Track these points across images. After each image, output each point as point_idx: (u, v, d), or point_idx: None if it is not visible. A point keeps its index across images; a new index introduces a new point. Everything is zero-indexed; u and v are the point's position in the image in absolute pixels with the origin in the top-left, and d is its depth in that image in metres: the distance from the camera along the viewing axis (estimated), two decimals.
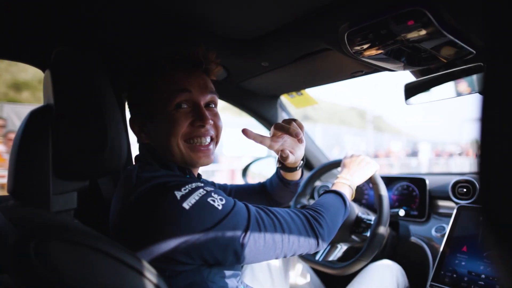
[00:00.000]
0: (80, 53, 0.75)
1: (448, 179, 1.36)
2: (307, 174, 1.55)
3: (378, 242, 1.11)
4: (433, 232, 1.29)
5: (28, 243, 0.46)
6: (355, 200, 1.55)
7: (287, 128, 0.83)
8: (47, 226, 0.50)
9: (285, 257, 0.75)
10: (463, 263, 1.04)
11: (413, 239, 1.33)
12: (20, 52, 0.97)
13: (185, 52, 0.78)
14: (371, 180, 1.18)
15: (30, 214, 0.55)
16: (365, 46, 0.87)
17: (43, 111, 0.73)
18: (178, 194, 0.64)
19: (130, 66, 0.84)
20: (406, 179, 1.49)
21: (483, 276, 0.98)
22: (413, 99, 1.08)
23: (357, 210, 1.30)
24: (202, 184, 0.69)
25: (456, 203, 1.26)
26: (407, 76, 1.13)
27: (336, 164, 1.38)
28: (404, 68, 1.01)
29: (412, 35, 0.77)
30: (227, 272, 0.75)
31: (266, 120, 1.71)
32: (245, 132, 0.78)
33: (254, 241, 0.68)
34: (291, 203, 1.46)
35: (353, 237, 1.27)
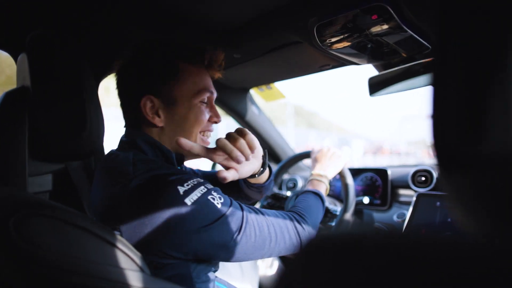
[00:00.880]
0: (57, 37, 0.75)
1: (408, 170, 1.44)
2: (275, 167, 1.60)
3: (345, 228, 1.18)
4: (394, 218, 1.37)
5: (8, 218, 0.46)
6: None
7: (229, 149, 0.71)
8: (26, 203, 0.50)
9: (269, 257, 0.78)
10: None
11: (376, 225, 1.41)
12: None
13: (214, 56, 0.85)
14: (339, 171, 1.24)
15: (8, 192, 0.55)
16: (333, 40, 0.92)
17: (18, 93, 0.72)
18: (181, 189, 0.65)
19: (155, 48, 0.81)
20: (370, 170, 1.56)
21: None
22: (376, 92, 1.14)
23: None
24: (202, 181, 0.70)
25: (415, 191, 1.35)
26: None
27: (303, 156, 1.45)
28: (368, 61, 1.07)
29: (376, 29, 0.83)
30: (210, 267, 0.77)
31: (236, 113, 1.73)
32: (179, 143, 0.67)
33: (246, 240, 0.70)
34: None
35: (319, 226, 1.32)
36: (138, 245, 0.62)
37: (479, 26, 0.22)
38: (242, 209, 0.72)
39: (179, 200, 0.64)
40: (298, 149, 1.73)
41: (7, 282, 0.50)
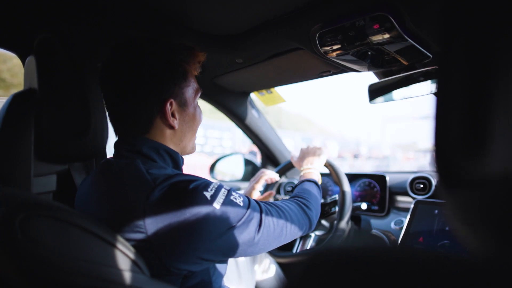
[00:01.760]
0: (63, 39, 0.75)
1: (406, 176, 1.45)
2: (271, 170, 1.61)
3: (340, 235, 1.19)
4: (392, 225, 1.37)
5: (13, 218, 0.47)
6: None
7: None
8: (31, 203, 0.51)
9: (286, 242, 0.82)
10: None
11: (374, 232, 1.41)
12: (1, 38, 0.94)
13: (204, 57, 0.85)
14: (326, 165, 1.32)
15: (14, 193, 0.56)
16: (334, 47, 0.93)
17: (26, 94, 0.73)
18: (208, 195, 0.66)
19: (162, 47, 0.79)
20: (368, 176, 1.57)
21: None
22: (375, 99, 1.15)
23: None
24: (219, 182, 0.72)
25: (414, 198, 1.35)
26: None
27: (287, 166, 1.50)
28: (369, 69, 1.08)
29: (377, 38, 0.83)
30: (223, 272, 0.81)
31: (236, 116, 1.74)
32: None
33: (267, 232, 0.74)
34: None
35: (323, 221, 1.35)
36: (176, 255, 0.63)
37: (481, 33, 0.22)
38: (258, 204, 0.75)
39: (208, 206, 0.65)
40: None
41: (11, 281, 0.50)
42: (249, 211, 0.71)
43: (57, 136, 0.73)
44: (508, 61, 0.21)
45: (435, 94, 0.25)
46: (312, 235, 1.39)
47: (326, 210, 1.34)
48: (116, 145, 0.78)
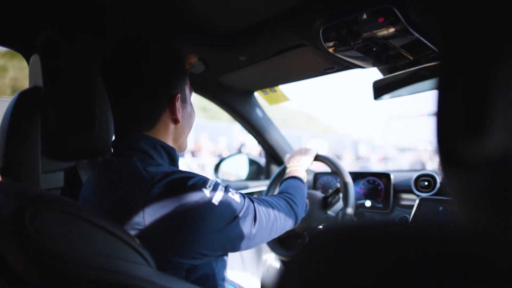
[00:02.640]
0: (68, 37, 0.76)
1: (411, 174, 1.44)
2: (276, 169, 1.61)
3: (349, 218, 1.21)
4: None
5: (23, 213, 0.48)
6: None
7: None
8: (40, 198, 0.52)
9: (277, 236, 0.86)
10: None
11: None
12: (6, 36, 0.96)
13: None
14: (319, 159, 1.36)
15: (24, 189, 0.57)
16: (338, 42, 0.92)
17: (31, 92, 0.74)
18: (206, 191, 0.67)
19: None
20: (372, 174, 1.56)
21: None
22: (380, 95, 1.15)
23: (321, 194, 1.42)
24: (216, 179, 0.74)
25: (418, 196, 1.35)
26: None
27: (283, 170, 1.50)
28: (373, 65, 1.07)
29: (382, 32, 0.83)
30: (225, 264, 0.82)
31: (240, 115, 1.74)
32: None
33: (260, 226, 0.76)
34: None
35: (329, 212, 1.35)
36: (175, 250, 0.65)
37: (484, 24, 0.23)
38: (251, 200, 0.77)
39: (208, 202, 0.66)
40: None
41: (22, 273, 0.51)
42: (245, 206, 0.73)
43: (63, 134, 0.73)
44: (510, 45, 0.21)
45: (437, 77, 0.26)
46: (321, 227, 1.39)
47: (329, 201, 1.37)
48: (113, 143, 0.79)
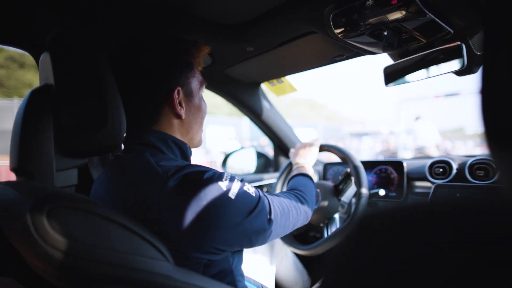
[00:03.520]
0: (78, 34, 0.76)
1: (424, 162, 1.42)
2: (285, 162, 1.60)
3: (365, 198, 1.23)
4: None
5: (41, 210, 0.48)
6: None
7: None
8: (57, 196, 0.52)
9: (289, 232, 0.85)
10: None
11: None
12: (14, 37, 0.96)
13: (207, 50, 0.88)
14: (325, 149, 1.39)
15: (40, 187, 0.57)
16: (349, 28, 0.90)
17: (43, 90, 0.74)
18: (223, 185, 0.66)
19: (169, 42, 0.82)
20: (385, 162, 1.54)
21: None
22: (392, 81, 1.12)
23: (331, 183, 1.43)
24: (231, 173, 0.73)
25: (433, 183, 1.32)
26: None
27: (288, 165, 1.52)
28: (384, 50, 1.05)
29: (395, 15, 0.80)
30: (242, 260, 0.82)
31: (247, 107, 1.73)
32: None
33: (275, 221, 0.75)
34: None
35: (342, 199, 1.36)
36: (192, 245, 0.64)
37: None
38: (265, 195, 0.77)
39: (224, 196, 0.65)
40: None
41: (39, 270, 0.52)
42: (260, 201, 0.72)
43: (75, 131, 0.73)
44: None
45: (482, 59, 0.25)
46: (336, 216, 1.39)
47: (341, 188, 1.37)
48: (125, 140, 0.79)
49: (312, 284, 1.63)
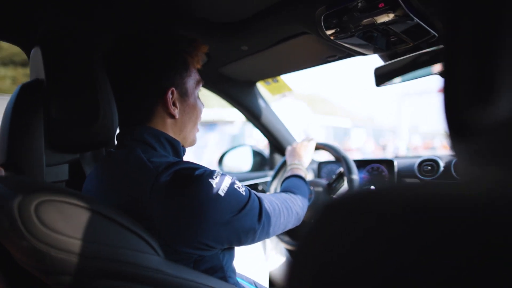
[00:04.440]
0: (68, 29, 0.76)
1: (414, 160, 1.46)
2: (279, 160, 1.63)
3: (355, 183, 1.28)
4: None
5: (29, 205, 0.48)
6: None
7: None
8: (46, 190, 0.52)
9: (279, 232, 0.86)
10: None
11: None
12: (5, 30, 0.95)
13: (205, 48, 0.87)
14: (320, 148, 1.41)
15: (28, 181, 0.57)
16: (340, 29, 0.93)
17: (33, 85, 0.73)
18: (213, 182, 0.67)
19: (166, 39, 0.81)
20: (376, 161, 1.58)
21: None
22: (382, 82, 1.16)
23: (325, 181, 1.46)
24: (222, 171, 0.74)
25: (421, 180, 1.36)
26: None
27: (283, 163, 1.55)
28: (374, 51, 1.08)
29: (383, 18, 0.84)
30: (233, 256, 0.82)
31: (242, 106, 1.75)
32: None
33: (266, 221, 0.76)
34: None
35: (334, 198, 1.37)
36: (181, 240, 0.65)
37: None
38: (256, 195, 0.77)
39: (214, 193, 0.66)
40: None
41: (26, 264, 0.52)
42: (250, 200, 0.72)
43: (66, 126, 0.73)
44: None
45: (444, 50, 0.26)
46: None
47: (334, 186, 1.40)
48: (118, 136, 0.80)
49: None
